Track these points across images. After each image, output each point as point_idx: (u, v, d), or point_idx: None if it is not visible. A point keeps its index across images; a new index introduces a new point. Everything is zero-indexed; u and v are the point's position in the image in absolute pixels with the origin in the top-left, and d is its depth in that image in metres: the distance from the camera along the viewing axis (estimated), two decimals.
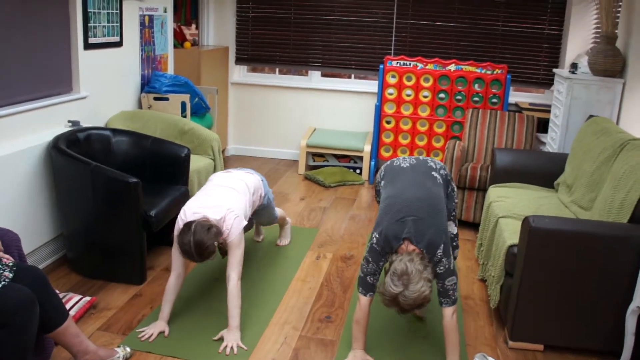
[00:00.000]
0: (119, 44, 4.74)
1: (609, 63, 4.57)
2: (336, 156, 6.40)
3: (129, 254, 3.67)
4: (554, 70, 5.14)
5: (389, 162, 3.36)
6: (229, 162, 6.68)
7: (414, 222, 2.82)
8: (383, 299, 2.69)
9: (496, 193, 4.17)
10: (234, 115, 6.98)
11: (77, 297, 3.38)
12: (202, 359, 3.00)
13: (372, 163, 6.11)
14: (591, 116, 4.42)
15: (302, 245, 4.44)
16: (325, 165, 6.44)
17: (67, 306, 3.25)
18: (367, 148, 6.11)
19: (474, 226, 4.98)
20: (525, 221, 3.09)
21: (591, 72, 4.70)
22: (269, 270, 3.99)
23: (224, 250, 3.25)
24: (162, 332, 3.19)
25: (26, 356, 2.40)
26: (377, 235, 2.88)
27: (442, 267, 2.82)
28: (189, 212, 3.15)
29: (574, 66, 4.81)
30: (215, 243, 3.05)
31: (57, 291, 3.40)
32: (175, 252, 3.17)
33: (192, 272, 3.91)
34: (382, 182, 3.26)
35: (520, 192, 4.19)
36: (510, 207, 3.86)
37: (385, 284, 2.68)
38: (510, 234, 3.46)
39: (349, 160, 6.39)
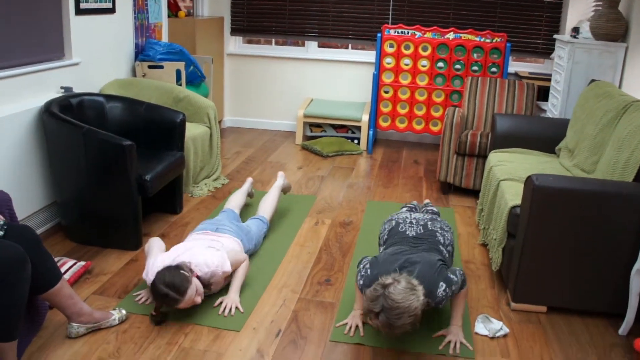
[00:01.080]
0: (111, 10, 4.64)
1: (611, 27, 4.48)
2: (334, 126, 6.32)
3: (124, 219, 3.60)
4: (555, 35, 5.05)
5: (394, 224, 3.11)
6: (225, 133, 6.60)
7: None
8: (367, 297, 2.50)
9: (497, 158, 4.11)
10: (229, 86, 6.89)
11: (71, 262, 3.31)
12: (199, 321, 2.95)
13: (370, 133, 6.04)
14: (593, 80, 4.35)
15: (300, 211, 4.38)
16: (323, 135, 6.36)
17: (62, 270, 3.18)
18: (365, 118, 6.04)
19: (473, 193, 4.93)
20: (529, 180, 3.03)
21: (593, 36, 4.62)
22: (266, 236, 3.92)
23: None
24: None
25: (18, 315, 2.33)
26: (362, 271, 2.79)
27: (454, 287, 2.70)
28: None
29: (576, 30, 4.73)
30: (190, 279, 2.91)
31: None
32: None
33: None
34: (381, 249, 3.12)
35: (521, 157, 4.13)
36: (512, 170, 3.80)
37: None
38: (512, 195, 3.40)
39: (347, 130, 6.31)
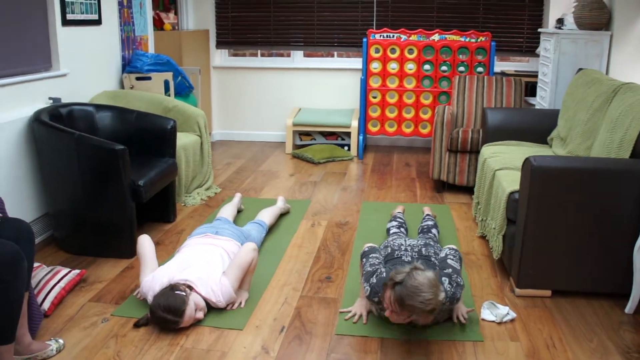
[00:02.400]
0: (97, 22, 4.62)
1: (594, 16, 4.52)
2: (323, 134, 6.31)
3: (119, 227, 3.54)
4: (540, 30, 5.09)
5: (390, 251, 3.09)
6: (215, 146, 6.56)
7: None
8: (394, 271, 2.54)
9: (490, 150, 4.10)
10: (217, 99, 6.86)
11: (65, 270, 3.23)
12: (200, 322, 2.88)
13: (360, 138, 6.02)
14: (580, 69, 4.37)
15: (296, 214, 4.34)
16: (313, 143, 6.34)
17: (56, 279, 3.11)
18: (355, 123, 6.03)
19: (467, 190, 4.91)
20: (527, 161, 3.01)
21: (577, 26, 4.65)
22: (263, 239, 3.87)
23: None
24: None
25: (16, 316, 2.27)
26: (367, 287, 2.78)
27: (455, 276, 2.76)
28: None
29: (560, 22, 4.76)
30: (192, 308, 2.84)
31: (44, 265, 3.27)
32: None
33: None
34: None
35: (514, 149, 4.13)
36: (506, 160, 3.79)
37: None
38: (509, 182, 3.38)
39: (336, 137, 6.30)
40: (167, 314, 2.75)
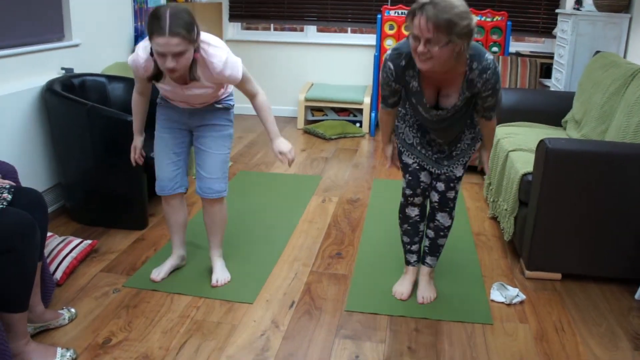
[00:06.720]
0: None
1: None
2: (335, 110, 6.27)
3: (130, 198, 3.55)
4: (557, 10, 5.01)
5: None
6: None
7: None
8: (416, 5, 2.16)
9: (504, 131, 4.07)
10: None
11: (77, 240, 3.25)
12: (210, 295, 2.90)
13: (373, 115, 5.99)
14: (598, 52, 4.31)
15: (306, 190, 4.34)
16: (325, 119, 6.31)
17: (68, 248, 3.13)
18: (367, 100, 5.99)
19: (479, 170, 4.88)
20: (542, 143, 2.99)
21: (596, 8, 4.58)
22: (272, 214, 3.88)
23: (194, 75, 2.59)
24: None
25: (29, 285, 2.28)
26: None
27: (500, 85, 2.43)
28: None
29: (579, 2, 4.69)
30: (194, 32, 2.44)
31: (56, 235, 3.29)
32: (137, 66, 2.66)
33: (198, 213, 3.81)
34: None
35: (528, 130, 4.09)
36: (520, 142, 3.77)
37: None
38: (522, 164, 3.36)
39: (349, 114, 6.27)
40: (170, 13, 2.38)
